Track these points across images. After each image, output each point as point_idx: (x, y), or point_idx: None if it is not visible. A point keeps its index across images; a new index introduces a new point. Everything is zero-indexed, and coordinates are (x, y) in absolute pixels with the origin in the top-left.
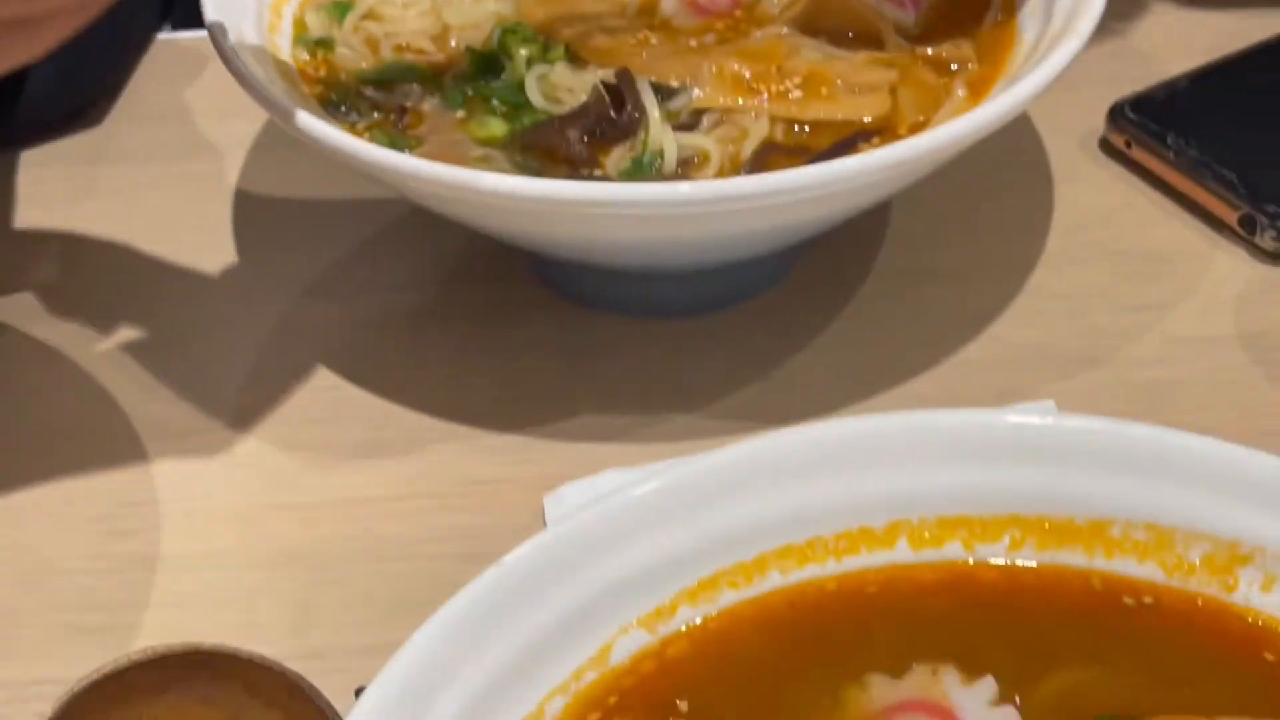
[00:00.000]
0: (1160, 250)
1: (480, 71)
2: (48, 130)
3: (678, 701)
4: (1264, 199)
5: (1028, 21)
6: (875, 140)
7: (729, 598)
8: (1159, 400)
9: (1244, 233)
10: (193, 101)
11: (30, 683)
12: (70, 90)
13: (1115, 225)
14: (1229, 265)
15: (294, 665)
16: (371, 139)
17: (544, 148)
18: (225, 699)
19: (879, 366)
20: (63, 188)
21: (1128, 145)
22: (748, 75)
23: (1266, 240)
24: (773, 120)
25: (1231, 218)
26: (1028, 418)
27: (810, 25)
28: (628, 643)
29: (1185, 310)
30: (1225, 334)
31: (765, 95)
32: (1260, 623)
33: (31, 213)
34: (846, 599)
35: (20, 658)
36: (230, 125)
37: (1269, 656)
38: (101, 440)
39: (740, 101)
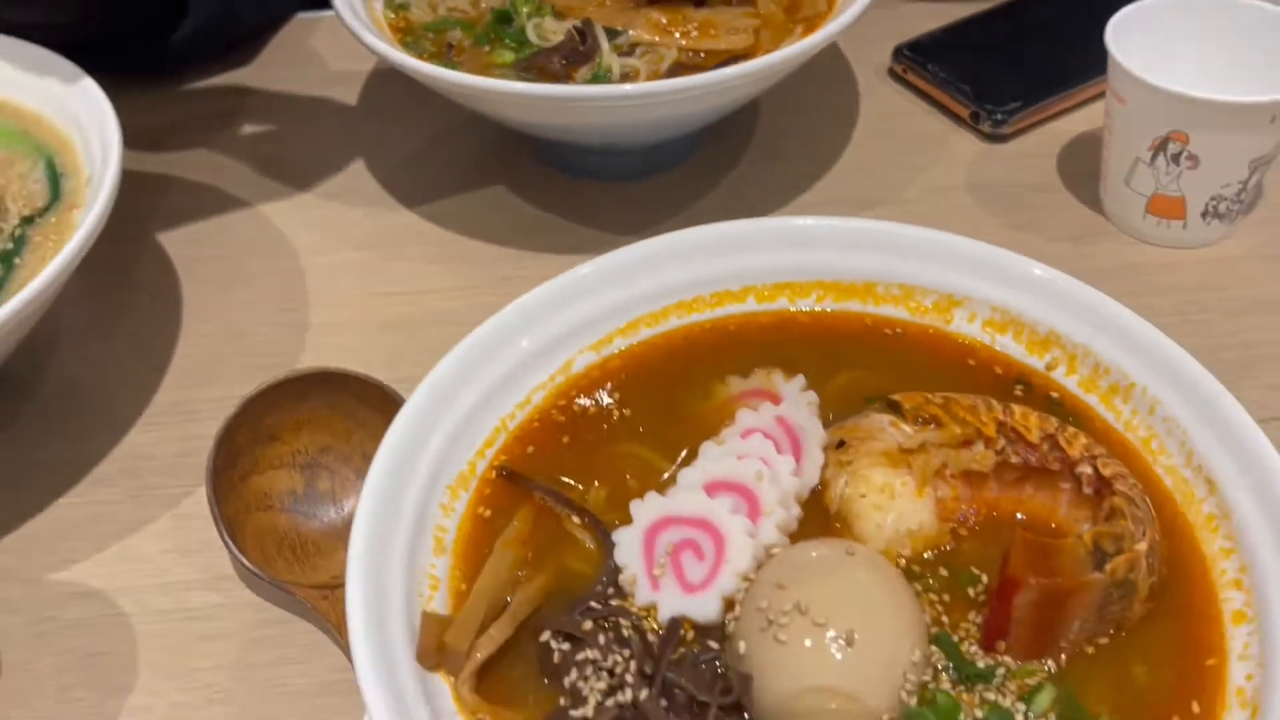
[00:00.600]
0: (923, 134)
1: (498, 22)
2: (204, 64)
3: (613, 390)
4: (984, 102)
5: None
6: (740, 63)
7: (644, 333)
8: (919, 220)
9: (972, 123)
10: (320, 52)
11: (233, 398)
12: (227, 32)
13: (897, 120)
14: (963, 143)
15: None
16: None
17: (538, 68)
18: (342, 404)
19: (749, 208)
20: (218, 105)
21: (904, 72)
22: (664, 22)
23: (985, 127)
24: (680, 50)
25: (965, 114)
26: (824, 220)
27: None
28: (582, 360)
29: (937, 170)
30: (959, 185)
31: (676, 34)
32: (965, 342)
33: (198, 122)
34: (716, 333)
35: (225, 383)
36: (344, 66)
37: (971, 362)
38: (271, 260)
39: (659, 39)
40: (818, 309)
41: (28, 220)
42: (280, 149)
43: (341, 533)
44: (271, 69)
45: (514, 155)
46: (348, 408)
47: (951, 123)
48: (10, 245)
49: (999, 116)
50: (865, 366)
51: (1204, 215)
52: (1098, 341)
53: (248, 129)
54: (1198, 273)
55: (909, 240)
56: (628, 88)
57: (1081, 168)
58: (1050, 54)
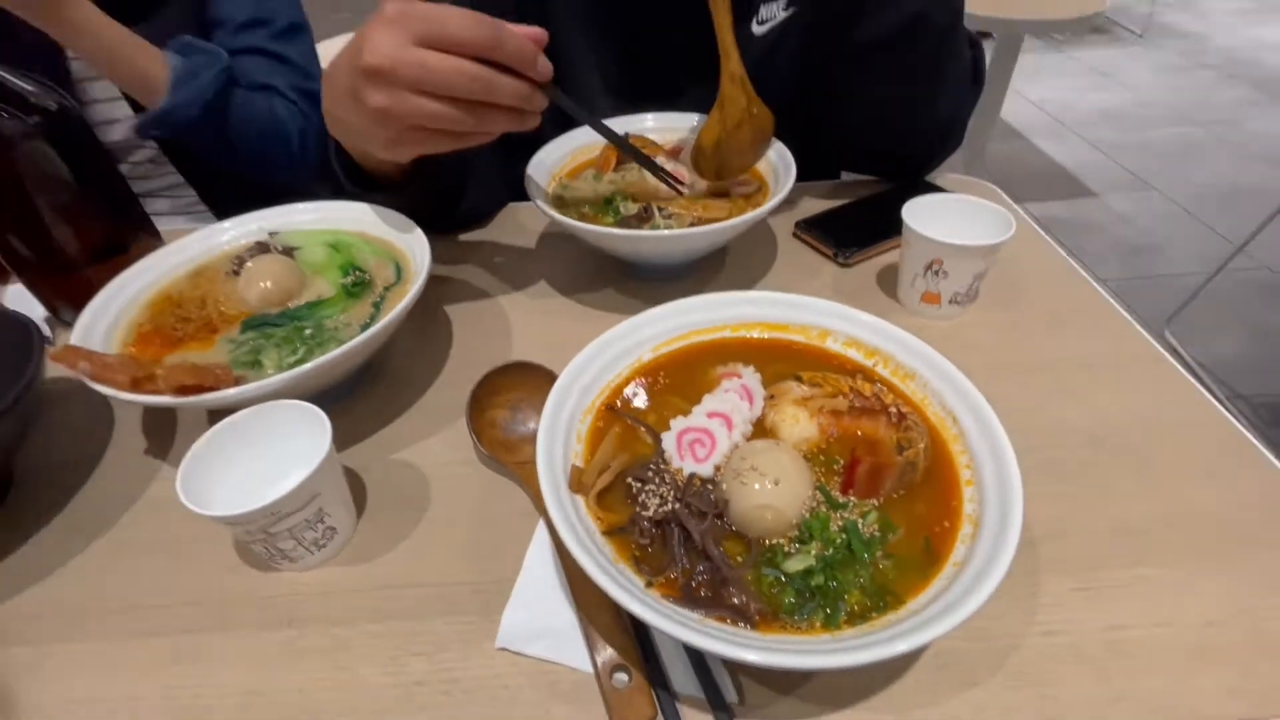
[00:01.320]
0: (808, 263)
1: (605, 203)
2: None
3: (661, 371)
4: (839, 247)
5: (776, 186)
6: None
7: (678, 344)
8: None
9: (833, 259)
10: (523, 219)
11: (479, 373)
12: (478, 212)
13: (796, 255)
14: (830, 269)
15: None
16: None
17: (625, 225)
18: (528, 377)
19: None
20: (471, 243)
21: (800, 233)
22: (686, 205)
23: (839, 260)
24: (694, 219)
25: (830, 254)
26: (765, 293)
27: (711, 190)
28: (646, 355)
29: (816, 280)
30: (829, 286)
31: (691, 212)
32: (833, 351)
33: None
34: (712, 345)
35: (477, 367)
36: (533, 226)
37: (835, 361)
38: (501, 313)
39: (684, 212)
40: (762, 335)
41: (386, 289)
42: (503, 261)
43: (529, 438)
44: (495, 226)
45: (616, 265)
46: (531, 379)
47: (822, 258)
48: (379, 299)
49: (845, 255)
50: (783, 362)
51: (950, 302)
52: (896, 351)
53: (485, 254)
54: (946, 330)
55: (806, 303)
56: (665, 233)
57: (886, 279)
58: (873, 223)
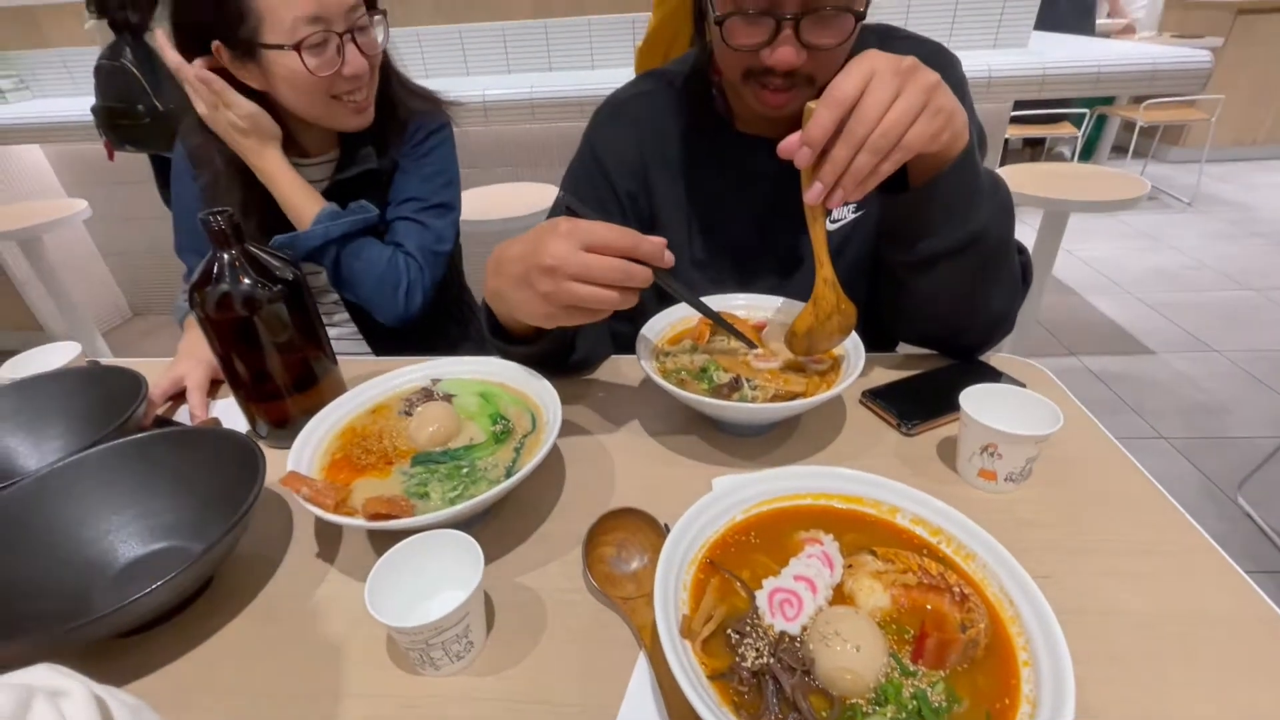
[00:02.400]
0: (873, 433)
1: (700, 371)
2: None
3: (753, 531)
4: (903, 419)
5: (847, 367)
6: (798, 397)
7: (766, 508)
8: (877, 471)
9: (897, 428)
10: (624, 371)
11: (593, 516)
12: (586, 364)
13: (864, 424)
14: (894, 437)
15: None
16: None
17: (718, 393)
18: (632, 521)
19: (797, 451)
20: (581, 385)
21: (867, 402)
22: (770, 378)
23: (903, 430)
24: (777, 390)
25: (894, 423)
26: (842, 470)
27: (791, 365)
28: (740, 515)
29: (881, 447)
30: (891, 454)
31: (774, 384)
32: (902, 527)
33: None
34: (797, 511)
35: (590, 511)
36: (632, 376)
37: (904, 535)
38: (604, 456)
39: (768, 384)
40: (839, 506)
41: (525, 436)
42: (608, 407)
43: (629, 576)
44: (602, 375)
45: (705, 420)
46: (633, 521)
47: (887, 426)
48: (519, 445)
49: (909, 426)
50: (857, 532)
51: (1005, 480)
52: (957, 532)
53: (594, 400)
54: (1002, 505)
55: (879, 481)
56: (752, 406)
57: (946, 450)
58: (934, 398)
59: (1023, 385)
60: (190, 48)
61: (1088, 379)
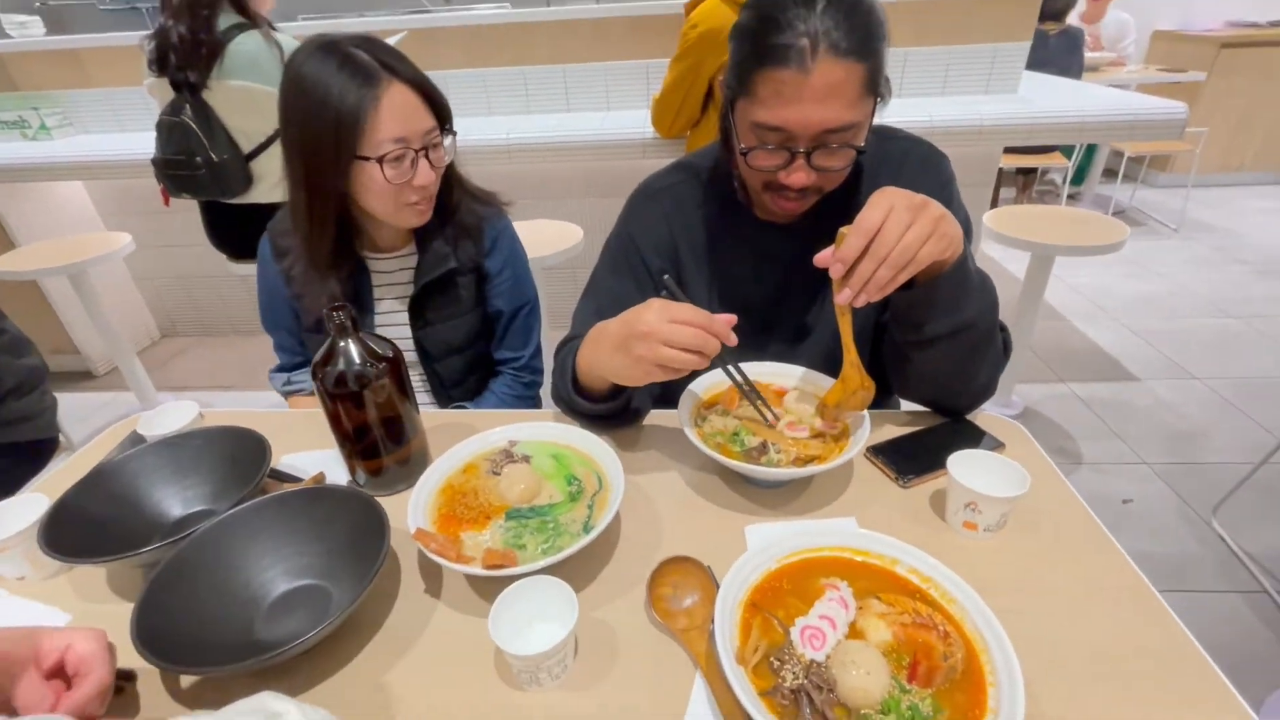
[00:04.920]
0: (875, 485)
1: (733, 435)
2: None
3: (784, 578)
4: (901, 474)
5: (855, 431)
6: (816, 460)
7: (796, 558)
8: (879, 521)
9: (899, 482)
10: (661, 424)
11: (654, 563)
12: (644, 410)
13: (865, 476)
14: (893, 489)
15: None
16: (709, 447)
17: (750, 457)
18: (685, 566)
19: (813, 502)
20: (631, 450)
21: (873, 455)
22: (793, 445)
23: (900, 483)
24: (799, 454)
25: (893, 477)
26: (857, 530)
27: (812, 434)
28: (772, 565)
29: (878, 501)
30: (893, 504)
31: (794, 449)
32: (901, 575)
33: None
34: (818, 562)
35: (648, 561)
36: (669, 429)
37: (902, 580)
38: (658, 510)
39: (791, 449)
40: (851, 557)
41: (594, 495)
42: (652, 461)
43: (684, 611)
44: (645, 433)
45: (737, 475)
46: (684, 566)
47: (887, 479)
48: (591, 503)
49: (905, 480)
50: (866, 579)
51: (985, 530)
52: (942, 581)
53: (640, 454)
54: (982, 551)
55: (883, 539)
56: (777, 471)
57: (937, 502)
58: (927, 454)
59: (1002, 444)
60: (295, 150)
61: (1076, 405)
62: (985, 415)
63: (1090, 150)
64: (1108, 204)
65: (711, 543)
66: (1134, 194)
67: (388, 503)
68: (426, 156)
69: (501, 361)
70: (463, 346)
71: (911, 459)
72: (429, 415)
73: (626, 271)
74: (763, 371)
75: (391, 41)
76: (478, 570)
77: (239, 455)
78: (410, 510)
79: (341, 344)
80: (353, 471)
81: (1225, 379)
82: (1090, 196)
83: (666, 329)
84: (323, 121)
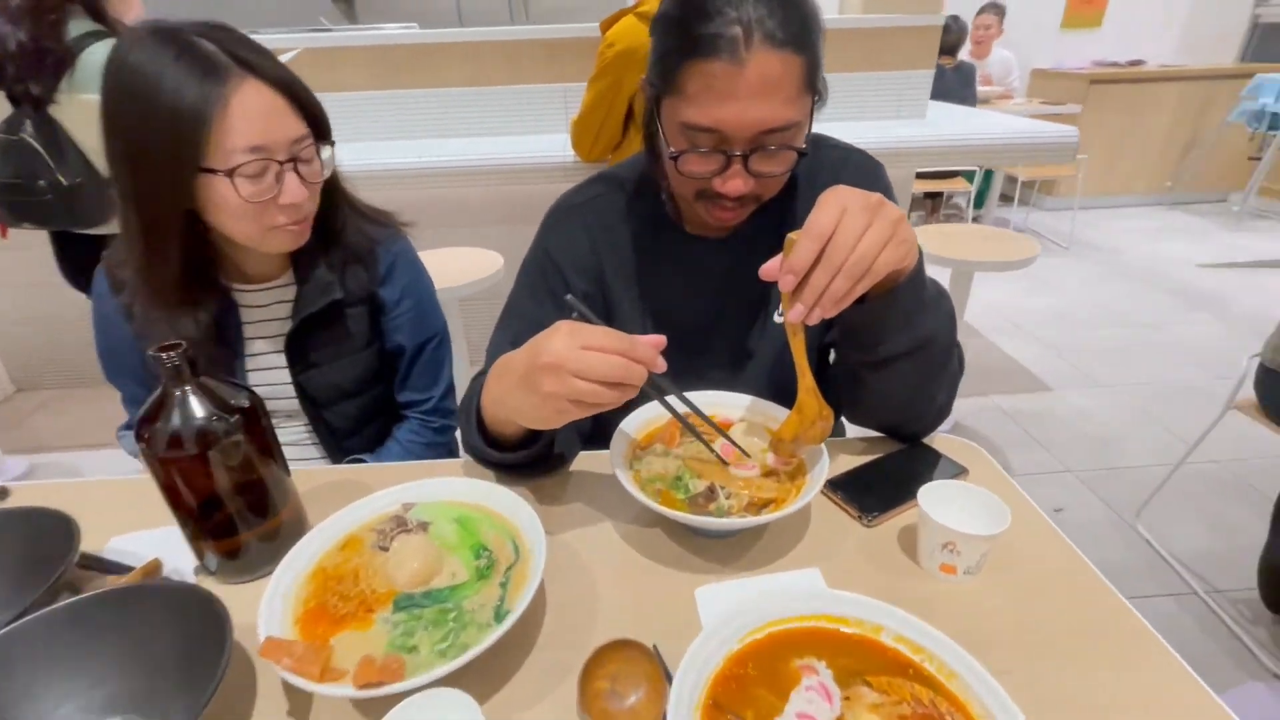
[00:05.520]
0: (836, 526)
1: (675, 481)
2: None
3: (749, 662)
4: (864, 511)
5: (811, 465)
6: (771, 504)
7: (760, 634)
8: (842, 566)
9: (863, 521)
10: (590, 467)
11: (565, 645)
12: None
13: (824, 517)
14: (856, 529)
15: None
16: (646, 495)
17: (695, 503)
18: (626, 652)
19: (768, 553)
20: (555, 503)
21: (831, 491)
22: (744, 486)
23: (864, 522)
24: (752, 497)
25: (855, 514)
26: (830, 591)
27: (765, 473)
28: (734, 646)
29: (844, 546)
30: (856, 553)
31: (747, 491)
32: (887, 646)
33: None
34: (787, 637)
35: (584, 647)
36: (598, 473)
37: (889, 654)
38: (588, 572)
39: (743, 491)
40: (825, 626)
41: (509, 568)
42: (581, 513)
43: (629, 711)
44: (570, 479)
45: (681, 526)
46: (625, 651)
47: (849, 517)
48: (504, 579)
49: (869, 518)
50: (847, 656)
51: (965, 573)
52: (939, 650)
53: (566, 508)
54: (964, 597)
55: (862, 601)
56: (730, 522)
57: (906, 541)
58: (890, 486)
59: (965, 469)
60: (121, 159)
61: (1000, 417)
62: (944, 438)
63: (988, 176)
64: (1006, 225)
65: (657, 613)
66: (1028, 216)
67: (250, 592)
68: (296, 170)
69: (406, 405)
70: (356, 390)
71: (872, 492)
72: (315, 473)
73: (546, 295)
74: (703, 402)
75: (283, 59)
76: (348, 691)
77: (34, 548)
78: (262, 610)
79: (176, 393)
80: (200, 555)
81: (1128, 385)
82: (990, 218)
83: (578, 358)
84: (155, 124)
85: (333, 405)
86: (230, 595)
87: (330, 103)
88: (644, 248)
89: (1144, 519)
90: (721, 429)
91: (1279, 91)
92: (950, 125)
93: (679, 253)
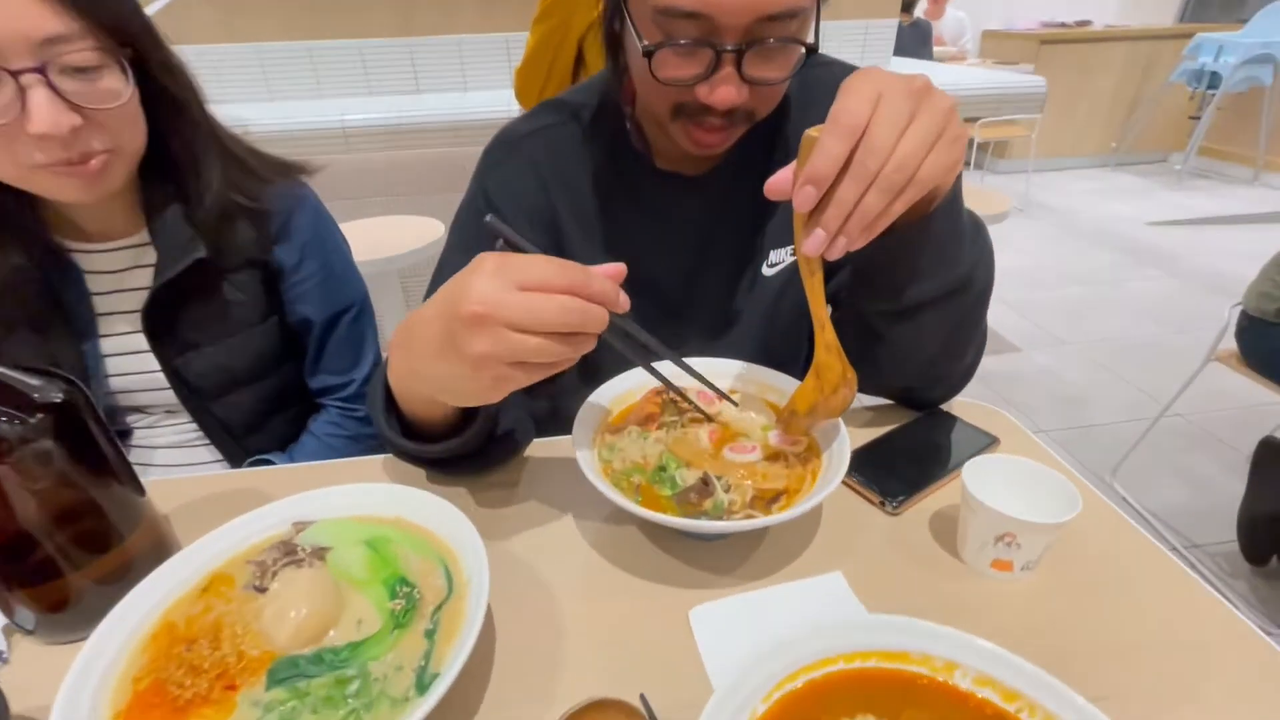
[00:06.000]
0: (855, 516)
1: (658, 472)
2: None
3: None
4: (887, 495)
5: (824, 444)
6: (783, 496)
7: (790, 686)
8: (864, 569)
9: (885, 507)
10: (544, 456)
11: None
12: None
13: (839, 505)
14: (879, 519)
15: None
16: (623, 493)
17: (687, 504)
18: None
19: (784, 557)
20: (502, 507)
21: (845, 475)
22: (744, 473)
23: (888, 509)
24: (757, 488)
25: (876, 500)
26: (878, 617)
27: (768, 455)
28: (759, 709)
29: (868, 543)
30: (884, 547)
31: (749, 481)
32: (965, 691)
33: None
34: (828, 685)
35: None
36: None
37: (971, 703)
38: (551, 603)
39: (743, 482)
40: (879, 666)
41: (438, 609)
42: (536, 515)
43: None
44: (520, 472)
45: (669, 532)
46: (606, 712)
47: (869, 504)
48: (431, 625)
49: (894, 504)
50: (913, 707)
51: (1023, 569)
52: (1041, 696)
53: (517, 508)
54: (1024, 599)
55: (924, 629)
56: (737, 525)
57: (941, 530)
58: (915, 462)
59: (996, 439)
60: None
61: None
62: (963, 403)
63: None
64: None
65: (641, 648)
66: (983, 179)
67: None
68: (51, 85)
69: (322, 391)
70: (252, 375)
71: (892, 472)
72: (198, 483)
73: (485, 247)
74: (680, 369)
75: (151, 10)
76: None
77: None
78: (59, 706)
79: None
80: (7, 610)
81: (1090, 342)
82: None
83: (514, 303)
84: None
85: (223, 395)
86: (56, 664)
87: (236, 55)
88: (606, 188)
89: (1119, 477)
90: (709, 383)
91: (1218, 51)
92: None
93: (648, 193)
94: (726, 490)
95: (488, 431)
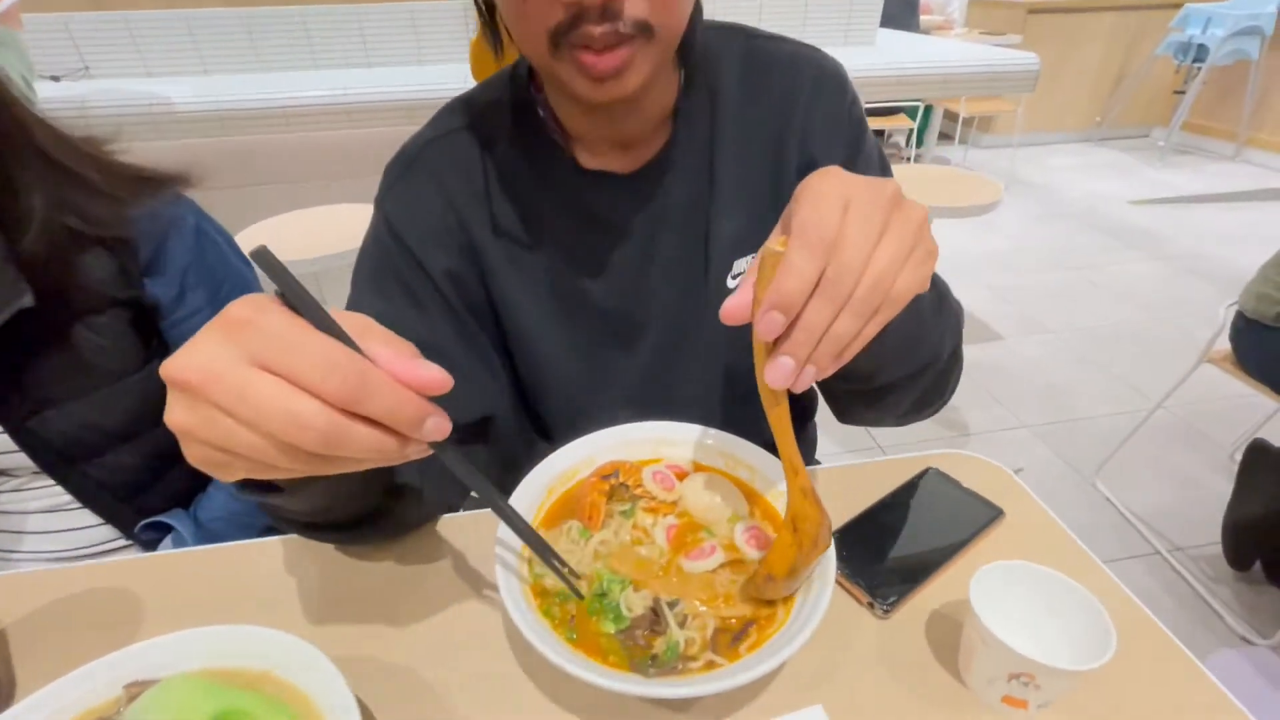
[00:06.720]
0: (842, 617)
1: (599, 599)
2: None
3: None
4: (876, 595)
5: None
6: (752, 629)
7: None
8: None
9: (875, 610)
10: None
11: None
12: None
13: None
14: (868, 621)
15: None
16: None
17: (633, 643)
18: None
19: (755, 686)
20: (397, 619)
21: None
22: (703, 596)
23: (878, 611)
24: (719, 619)
25: (863, 600)
26: None
27: (732, 561)
28: None
29: (857, 653)
30: (868, 654)
31: (707, 607)
32: None
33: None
34: None
35: None
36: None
37: None
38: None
39: (701, 608)
40: None
41: None
42: (440, 631)
43: None
44: (424, 548)
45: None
46: None
47: (855, 603)
48: None
49: (884, 605)
50: None
51: (1039, 707)
52: None
53: (414, 627)
54: None
55: None
56: (697, 685)
57: (939, 639)
58: (904, 546)
59: (1000, 512)
60: None
61: None
62: (949, 454)
63: (927, 112)
64: (947, 164)
65: None
66: (966, 154)
67: None
68: None
69: None
70: (131, 430)
71: (881, 560)
72: (38, 579)
73: (394, 283)
74: (630, 440)
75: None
76: None
77: None
78: None
79: None
80: None
81: (1073, 330)
82: (930, 158)
83: (235, 386)
84: None
85: (97, 456)
86: None
87: (162, 23)
88: (526, 197)
89: (1103, 475)
90: (659, 485)
91: (1206, 22)
92: (904, 53)
93: (575, 198)
94: (682, 624)
95: (377, 487)
